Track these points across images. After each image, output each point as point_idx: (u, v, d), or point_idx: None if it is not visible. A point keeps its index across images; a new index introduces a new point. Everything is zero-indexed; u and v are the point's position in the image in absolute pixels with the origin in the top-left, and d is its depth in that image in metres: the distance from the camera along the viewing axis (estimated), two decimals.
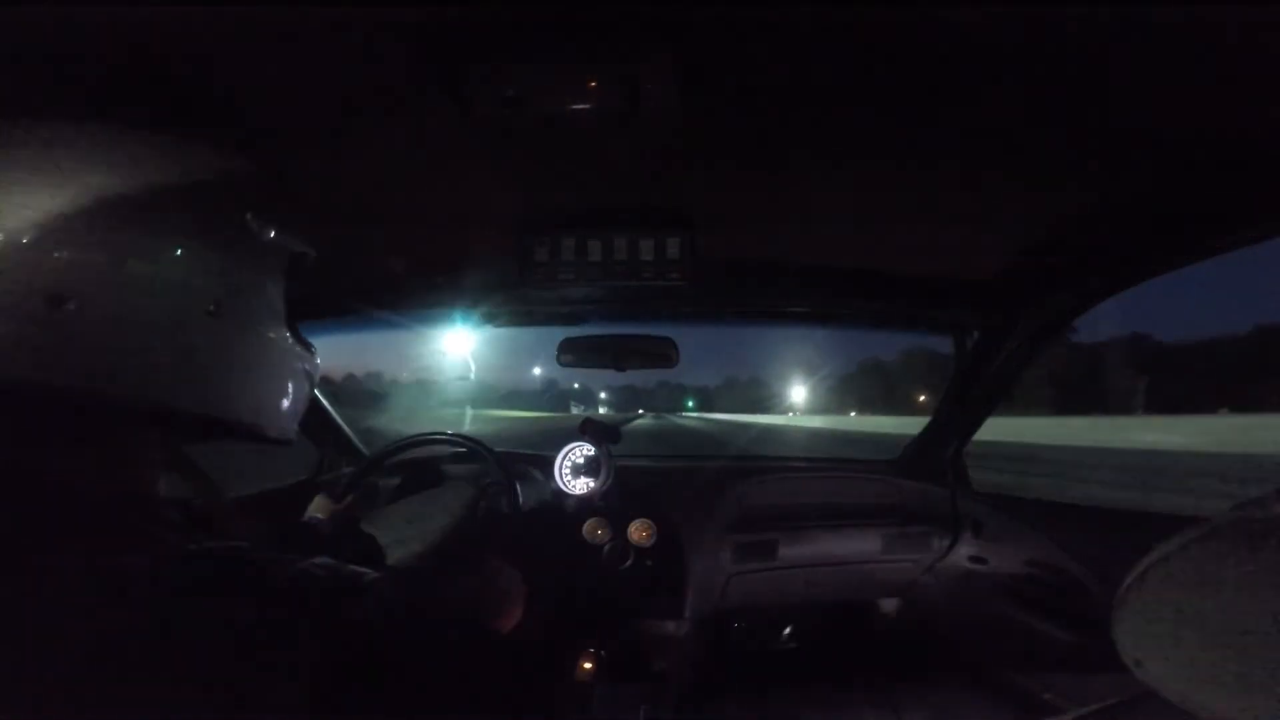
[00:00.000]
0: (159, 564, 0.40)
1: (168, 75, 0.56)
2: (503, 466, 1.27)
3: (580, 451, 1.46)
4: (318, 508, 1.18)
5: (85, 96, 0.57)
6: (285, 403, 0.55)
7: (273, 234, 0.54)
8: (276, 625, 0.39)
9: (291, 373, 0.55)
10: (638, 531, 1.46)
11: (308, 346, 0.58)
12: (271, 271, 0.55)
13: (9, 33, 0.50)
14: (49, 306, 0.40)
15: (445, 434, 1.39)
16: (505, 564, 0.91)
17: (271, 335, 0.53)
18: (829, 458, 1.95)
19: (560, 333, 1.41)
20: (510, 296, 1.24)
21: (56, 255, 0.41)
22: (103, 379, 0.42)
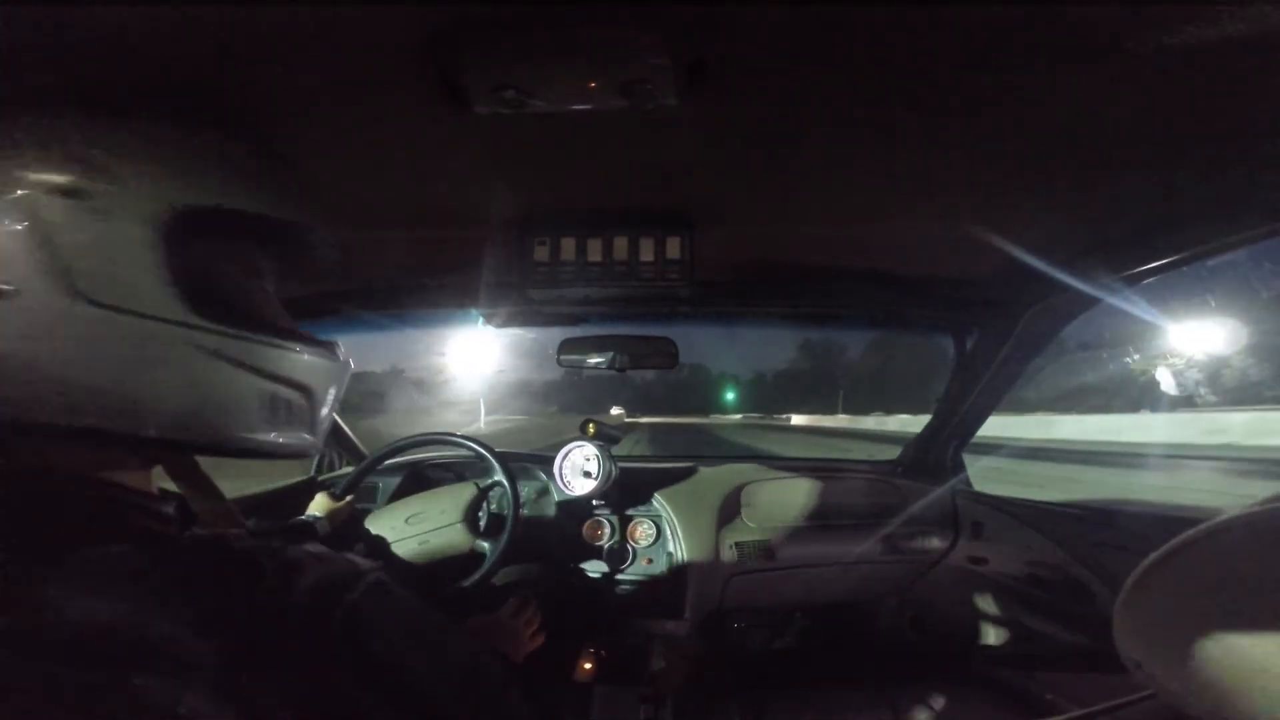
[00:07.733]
0: (153, 555, 0.40)
1: (167, 76, 0.56)
2: (504, 466, 1.27)
3: (580, 451, 1.47)
4: (317, 506, 1.18)
5: (84, 98, 0.57)
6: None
7: (273, 234, 0.54)
8: (269, 612, 0.39)
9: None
10: (638, 531, 1.46)
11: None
12: (271, 272, 0.55)
13: (11, 32, 0.50)
14: (53, 306, 0.40)
15: (446, 434, 1.39)
16: (526, 598, 0.94)
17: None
18: (829, 458, 1.95)
19: (560, 333, 1.41)
20: (510, 296, 1.24)
21: (58, 256, 0.41)
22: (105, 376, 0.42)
